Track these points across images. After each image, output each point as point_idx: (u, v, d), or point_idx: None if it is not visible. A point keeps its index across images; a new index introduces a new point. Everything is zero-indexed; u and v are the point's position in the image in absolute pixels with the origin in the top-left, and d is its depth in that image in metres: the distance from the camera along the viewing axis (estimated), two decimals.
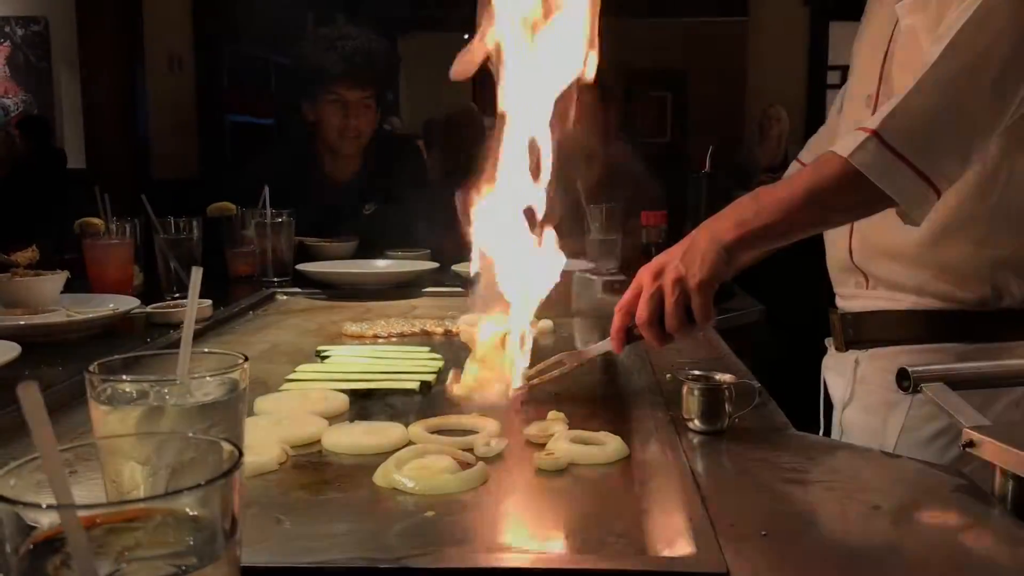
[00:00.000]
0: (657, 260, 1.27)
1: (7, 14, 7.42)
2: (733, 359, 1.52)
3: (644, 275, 1.27)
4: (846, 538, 0.85)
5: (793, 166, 1.74)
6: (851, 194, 1.22)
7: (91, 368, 0.68)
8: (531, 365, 1.35)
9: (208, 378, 0.72)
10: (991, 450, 0.93)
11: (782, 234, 1.26)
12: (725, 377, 1.17)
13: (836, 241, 1.46)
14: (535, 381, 1.34)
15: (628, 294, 1.29)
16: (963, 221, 1.32)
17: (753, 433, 1.15)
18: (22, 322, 1.65)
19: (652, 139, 7.59)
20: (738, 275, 2.24)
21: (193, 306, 0.74)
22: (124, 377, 0.69)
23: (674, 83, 8.00)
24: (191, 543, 0.47)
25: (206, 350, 0.73)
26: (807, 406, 1.66)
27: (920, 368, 1.08)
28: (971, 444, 0.95)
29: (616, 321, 1.30)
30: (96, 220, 2.07)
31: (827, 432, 1.60)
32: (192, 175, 5.63)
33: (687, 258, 1.23)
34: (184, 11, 6.09)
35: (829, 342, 1.57)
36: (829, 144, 1.30)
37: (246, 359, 0.72)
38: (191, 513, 0.47)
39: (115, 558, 0.46)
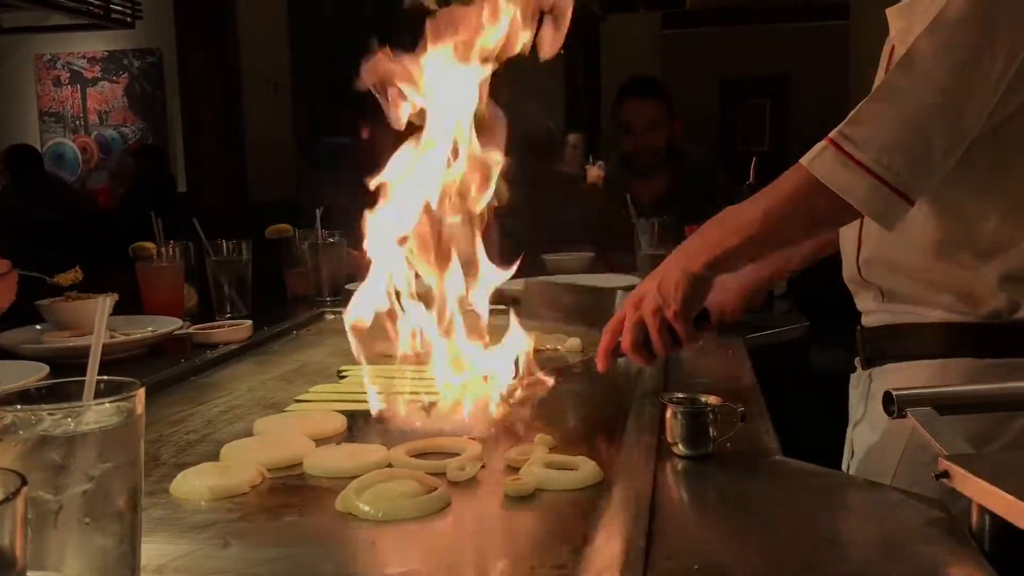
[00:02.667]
0: (637, 290, 1.31)
1: (126, 47, 7.86)
2: (750, 379, 1.46)
3: (627, 304, 1.30)
4: (780, 572, 0.79)
5: None
6: (813, 204, 1.17)
7: None
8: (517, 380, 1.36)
9: (107, 405, 0.72)
10: (964, 482, 0.86)
11: (752, 254, 1.28)
12: (710, 399, 1.13)
13: (847, 255, 1.39)
14: (513, 398, 1.33)
15: (616, 318, 1.32)
16: (967, 233, 1.23)
17: (738, 459, 1.09)
18: (58, 344, 1.72)
19: (750, 148, 7.44)
20: (788, 290, 2.18)
21: (99, 336, 0.75)
22: (18, 407, 0.71)
23: (774, 90, 7.81)
24: None
25: (105, 377, 0.74)
26: (841, 426, 1.58)
27: (906, 391, 1.00)
28: (946, 475, 0.88)
29: (603, 342, 1.33)
30: (148, 244, 2.14)
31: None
32: (287, 197, 5.79)
33: (662, 288, 1.25)
34: (281, 37, 6.32)
35: (858, 360, 1.50)
36: None
37: (142, 386, 0.73)
38: None
39: None
